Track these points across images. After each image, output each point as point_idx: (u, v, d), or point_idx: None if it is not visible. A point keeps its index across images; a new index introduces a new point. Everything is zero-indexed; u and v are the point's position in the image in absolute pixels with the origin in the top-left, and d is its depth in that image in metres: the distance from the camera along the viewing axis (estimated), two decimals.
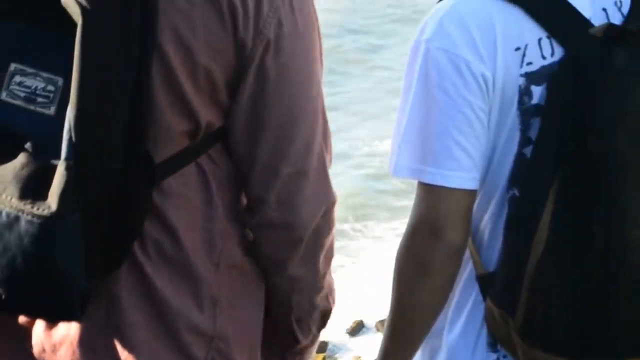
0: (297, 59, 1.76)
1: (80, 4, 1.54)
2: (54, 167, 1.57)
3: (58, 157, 1.57)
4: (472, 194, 1.97)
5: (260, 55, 1.72)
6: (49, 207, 1.55)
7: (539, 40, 1.96)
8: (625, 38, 1.94)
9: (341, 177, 11.24)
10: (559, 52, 1.96)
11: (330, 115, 1.89)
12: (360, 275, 10.47)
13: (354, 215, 11.49)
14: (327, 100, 1.93)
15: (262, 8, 1.71)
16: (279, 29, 1.73)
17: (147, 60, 1.62)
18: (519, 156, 1.97)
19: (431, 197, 1.96)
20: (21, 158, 1.60)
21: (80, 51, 1.54)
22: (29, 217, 1.56)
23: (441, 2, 2.01)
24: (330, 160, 1.87)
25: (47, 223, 1.55)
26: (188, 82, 1.69)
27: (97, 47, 1.56)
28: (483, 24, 1.94)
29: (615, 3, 2.05)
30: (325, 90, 1.88)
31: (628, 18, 2.03)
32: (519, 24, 1.96)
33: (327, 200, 1.85)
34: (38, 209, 1.56)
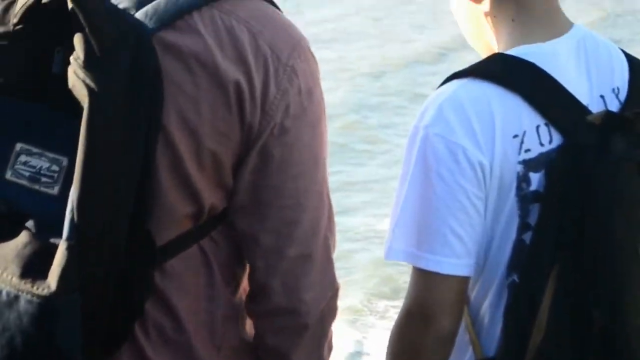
0: (302, 141, 1.76)
1: (87, 86, 1.56)
2: (56, 247, 1.57)
3: (60, 236, 1.57)
4: (465, 280, 1.97)
5: (266, 137, 1.72)
6: (49, 287, 1.55)
7: (537, 127, 1.98)
8: (623, 125, 1.96)
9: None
10: (557, 139, 1.98)
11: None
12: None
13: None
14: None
15: (269, 91, 1.72)
16: (286, 111, 1.74)
17: (153, 142, 1.63)
18: (518, 242, 1.97)
19: (424, 282, 1.96)
20: (23, 237, 1.60)
21: (85, 133, 1.56)
22: (29, 297, 1.56)
23: (441, 87, 2.02)
24: (335, 244, 1.87)
25: (46, 303, 1.55)
26: (193, 164, 1.69)
27: (102, 130, 1.57)
28: (482, 111, 1.96)
29: (613, 90, 2.08)
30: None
31: (625, 105, 2.05)
32: (517, 111, 1.97)
33: (332, 285, 1.85)
34: (37, 289, 1.56)
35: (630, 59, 2.14)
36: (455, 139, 1.94)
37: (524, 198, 1.97)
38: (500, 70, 2.00)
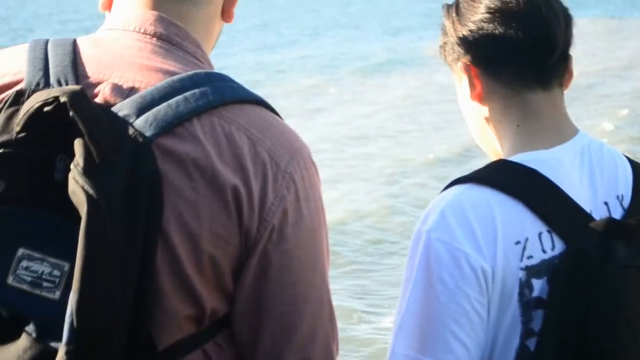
0: (301, 248, 1.77)
1: (86, 192, 1.58)
2: (56, 351, 1.58)
3: (60, 340, 1.58)
4: None
5: (264, 243, 1.73)
6: None
7: (540, 234, 1.99)
8: (626, 232, 1.98)
9: None
10: (559, 246, 1.99)
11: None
12: None
13: None
14: None
15: (267, 197, 1.73)
16: (284, 217, 1.75)
17: (152, 247, 1.64)
18: (522, 348, 1.97)
19: None
20: (23, 341, 1.61)
21: (83, 239, 1.58)
22: None
23: (444, 192, 2.04)
24: (337, 349, 1.85)
25: None
26: (193, 269, 1.70)
27: (100, 235, 1.59)
28: (484, 217, 1.98)
29: (618, 197, 2.09)
30: None
31: (628, 212, 2.07)
32: (519, 218, 1.99)
33: None
34: None
35: (634, 166, 2.16)
36: (458, 244, 1.96)
37: (527, 304, 1.97)
38: (503, 177, 2.02)
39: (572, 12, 2.16)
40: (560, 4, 2.15)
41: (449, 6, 2.20)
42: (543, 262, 1.98)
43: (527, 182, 2.01)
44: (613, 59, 24.60)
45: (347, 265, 9.80)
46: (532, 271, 1.98)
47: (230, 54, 25.89)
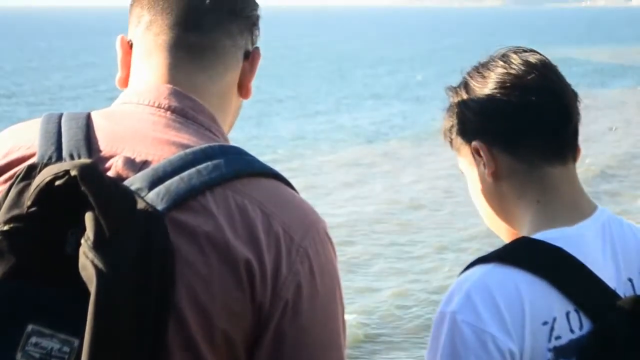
0: (316, 323, 1.74)
1: (95, 267, 1.57)
2: None
3: None
4: None
5: (278, 318, 1.71)
6: None
7: (567, 313, 1.96)
8: None
9: None
10: (587, 325, 1.96)
11: None
12: None
13: None
14: None
15: (280, 271, 1.71)
16: (298, 292, 1.72)
17: (164, 323, 1.63)
18: None
19: None
20: None
21: (92, 314, 1.56)
22: None
23: (466, 272, 2.01)
24: None
25: None
26: (206, 344, 1.68)
27: (110, 311, 1.57)
28: (510, 297, 1.94)
29: None
30: None
31: None
32: (546, 297, 1.95)
33: None
34: None
35: None
36: (484, 326, 1.92)
37: None
38: (526, 256, 1.98)
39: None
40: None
41: (456, 87, 2.19)
42: (571, 342, 1.95)
43: (552, 261, 1.97)
44: None
45: None
46: (560, 352, 1.95)
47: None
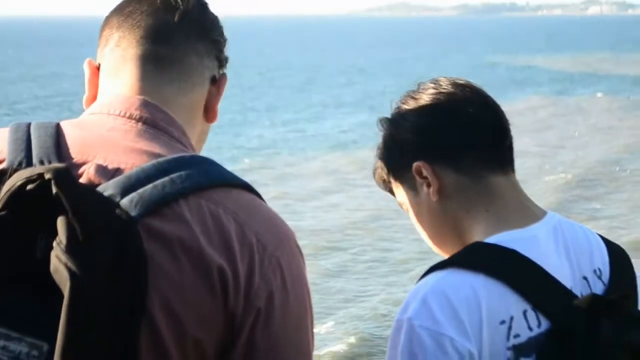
0: (287, 332, 1.74)
1: (69, 270, 1.55)
2: None
3: None
4: None
5: (249, 327, 1.70)
6: None
7: (524, 312, 1.97)
8: (610, 308, 1.97)
9: None
10: (545, 323, 1.98)
11: None
12: None
13: None
14: None
15: (253, 280, 1.71)
16: (270, 300, 1.72)
17: (136, 329, 1.61)
18: None
19: None
20: None
21: (65, 317, 1.54)
22: None
23: (422, 280, 2.01)
24: None
25: None
26: (177, 351, 1.67)
27: (83, 314, 1.55)
28: (466, 299, 1.95)
29: (595, 271, 2.09)
30: None
31: (610, 287, 2.08)
32: (503, 298, 1.96)
33: None
34: None
35: (605, 240, 2.18)
36: (442, 329, 1.92)
37: None
38: (481, 259, 2.00)
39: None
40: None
41: (385, 118, 2.21)
42: (530, 339, 1.97)
43: (507, 262, 1.99)
44: None
45: None
46: (520, 349, 1.96)
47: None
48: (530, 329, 1.97)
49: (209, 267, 1.67)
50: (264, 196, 1.85)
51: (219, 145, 24.49)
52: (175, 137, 1.84)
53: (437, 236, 2.18)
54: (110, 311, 1.57)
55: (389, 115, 2.22)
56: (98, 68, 1.95)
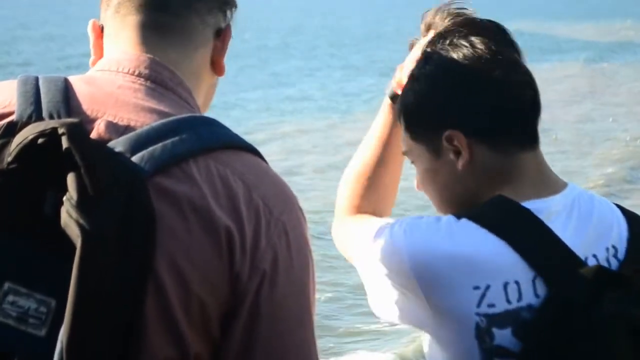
0: (291, 298, 1.74)
1: (81, 226, 1.56)
2: None
3: None
4: None
5: (254, 291, 1.71)
6: None
7: (505, 284, 1.97)
8: (618, 282, 1.95)
9: None
10: (527, 297, 1.97)
11: None
12: None
13: None
14: None
15: (259, 242, 1.71)
16: (275, 264, 1.72)
17: (142, 287, 1.62)
18: None
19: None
20: None
21: (77, 274, 1.56)
22: None
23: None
24: None
25: None
26: (181, 311, 1.67)
27: (95, 272, 1.56)
28: (460, 249, 1.99)
29: (607, 249, 2.07)
30: None
31: (624, 263, 2.05)
32: (500, 258, 1.98)
33: None
34: None
35: (628, 216, 2.14)
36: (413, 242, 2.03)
37: (489, 351, 1.97)
38: (497, 217, 2.02)
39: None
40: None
41: (423, 68, 2.16)
42: (507, 312, 1.96)
43: (521, 226, 2.00)
44: None
45: None
46: (493, 320, 1.96)
47: None
48: (508, 302, 1.96)
49: (217, 228, 1.68)
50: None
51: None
52: (183, 97, 1.84)
53: (451, 199, 2.16)
54: (119, 268, 1.58)
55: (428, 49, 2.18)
56: (101, 29, 1.94)
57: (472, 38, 2.11)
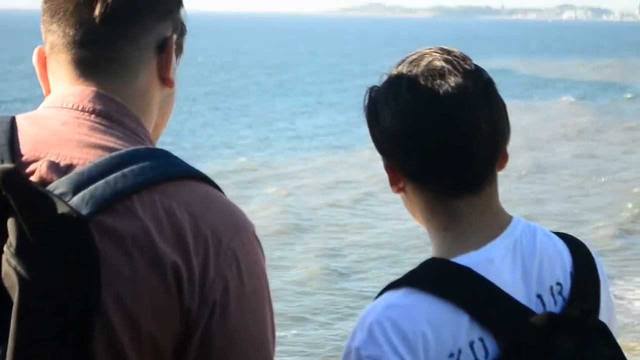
0: (244, 324, 1.71)
1: (18, 274, 1.53)
2: None
3: None
4: None
5: (205, 321, 1.68)
6: None
7: (471, 343, 1.92)
8: (568, 324, 1.92)
9: None
10: (493, 352, 1.92)
11: None
12: None
13: None
14: None
15: (208, 274, 1.68)
16: (226, 293, 1.69)
17: (90, 330, 1.59)
18: None
19: None
20: None
21: (15, 324, 1.53)
22: None
23: (374, 302, 1.98)
24: None
25: None
26: (132, 349, 1.65)
27: (33, 319, 1.53)
28: (414, 331, 1.91)
29: (552, 288, 2.01)
30: None
31: (570, 301, 2.00)
32: (453, 325, 1.92)
33: None
34: None
35: (572, 247, 2.07)
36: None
37: None
38: (437, 280, 1.95)
39: None
40: (482, 82, 2.02)
41: (369, 100, 2.09)
42: None
43: (461, 283, 1.94)
44: None
45: None
46: None
47: None
48: None
49: (163, 264, 1.65)
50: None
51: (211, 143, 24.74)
52: (131, 128, 1.80)
53: (420, 221, 2.11)
54: (63, 313, 1.55)
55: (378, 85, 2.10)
56: (46, 58, 1.89)
57: (420, 81, 2.01)
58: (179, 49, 1.93)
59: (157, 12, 1.85)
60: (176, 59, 1.92)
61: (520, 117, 29.80)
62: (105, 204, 1.64)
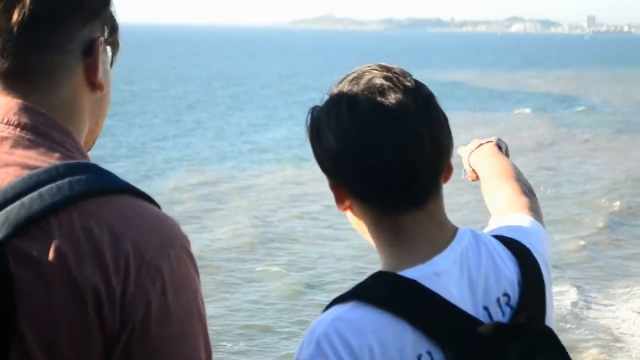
0: (168, 341, 1.65)
1: None
2: None
3: None
4: None
5: (125, 340, 1.63)
6: None
7: (419, 357, 1.91)
8: (515, 333, 1.92)
9: None
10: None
11: None
12: None
13: None
14: None
15: (128, 291, 1.62)
16: (147, 311, 1.63)
17: (5, 355, 1.57)
18: None
19: None
20: None
21: None
22: None
23: (322, 315, 1.96)
24: None
25: None
26: None
27: None
28: (361, 345, 1.90)
29: (499, 299, 2.00)
30: None
31: (517, 309, 2.00)
32: (400, 340, 1.91)
33: None
34: None
35: (518, 255, 2.07)
36: None
37: None
38: (384, 293, 1.94)
39: None
40: (422, 98, 2.01)
41: (311, 121, 2.09)
42: None
43: (408, 296, 1.92)
44: None
45: None
46: None
47: None
48: None
49: (80, 288, 1.60)
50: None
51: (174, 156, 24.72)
52: (58, 141, 1.73)
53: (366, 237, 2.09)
54: None
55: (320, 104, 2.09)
56: None
57: (361, 99, 2.00)
58: (114, 46, 1.88)
59: (81, 15, 1.77)
60: (113, 56, 1.88)
61: (476, 129, 30.04)
62: (21, 227, 1.59)
